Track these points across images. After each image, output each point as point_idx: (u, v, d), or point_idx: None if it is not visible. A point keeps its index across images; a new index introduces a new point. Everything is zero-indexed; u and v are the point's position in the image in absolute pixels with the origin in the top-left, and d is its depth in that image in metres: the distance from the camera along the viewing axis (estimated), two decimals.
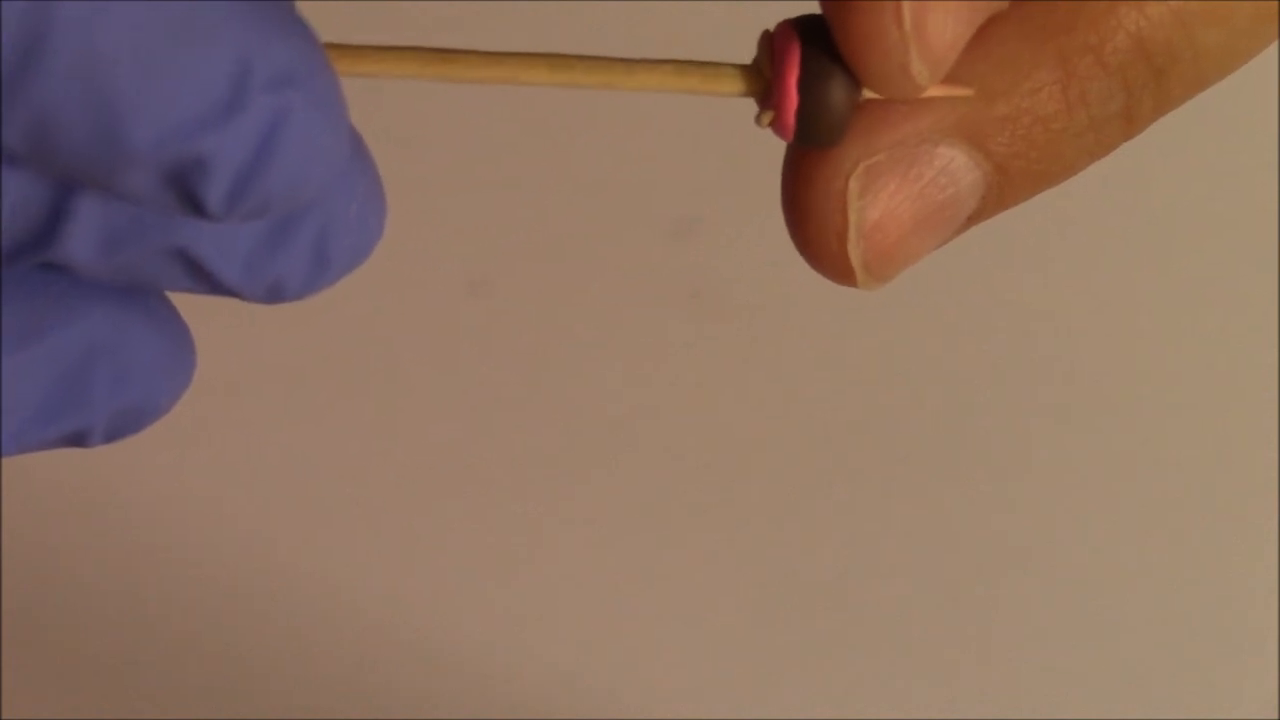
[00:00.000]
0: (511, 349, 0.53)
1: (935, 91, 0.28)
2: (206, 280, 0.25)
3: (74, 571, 0.51)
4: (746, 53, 0.31)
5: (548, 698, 0.51)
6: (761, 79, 0.31)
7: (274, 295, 0.25)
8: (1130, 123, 0.31)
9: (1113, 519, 0.54)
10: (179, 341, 0.27)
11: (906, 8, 0.27)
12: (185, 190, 0.22)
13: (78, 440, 0.27)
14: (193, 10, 0.21)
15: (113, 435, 0.27)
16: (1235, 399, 0.55)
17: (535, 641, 0.52)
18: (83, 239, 0.23)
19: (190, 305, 0.58)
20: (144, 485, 0.52)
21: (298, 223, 0.25)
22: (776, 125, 0.32)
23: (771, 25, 0.30)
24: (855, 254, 0.30)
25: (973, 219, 0.31)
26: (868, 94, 0.29)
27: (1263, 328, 0.55)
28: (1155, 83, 0.29)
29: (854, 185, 0.29)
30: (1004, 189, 0.30)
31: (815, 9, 0.31)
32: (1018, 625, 0.53)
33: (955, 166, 0.30)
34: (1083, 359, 0.55)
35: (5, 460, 0.52)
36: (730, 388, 0.53)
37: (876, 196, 0.30)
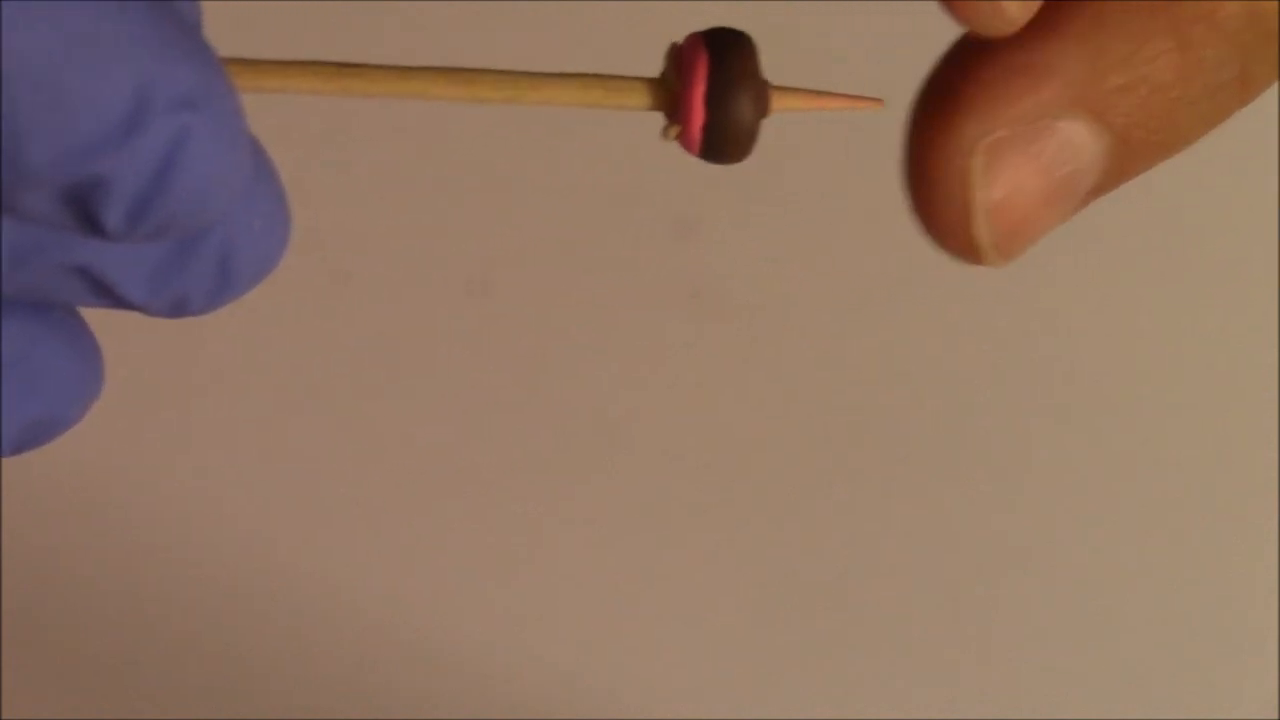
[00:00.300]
0: (511, 349, 0.53)
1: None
2: (110, 296, 0.25)
3: (74, 571, 0.51)
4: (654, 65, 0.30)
5: (548, 698, 0.51)
6: (669, 92, 0.30)
7: (178, 310, 0.25)
8: (1245, 88, 0.30)
9: (1113, 519, 0.54)
10: (87, 354, 0.27)
11: None
12: (84, 211, 0.22)
13: None
14: (95, 32, 0.21)
15: (21, 446, 0.27)
16: (1235, 399, 0.55)
17: (535, 641, 0.52)
18: None
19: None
20: (144, 485, 0.52)
21: (201, 241, 0.25)
22: (683, 139, 0.31)
23: (680, 36, 0.30)
24: (982, 233, 0.30)
25: (1094, 192, 0.30)
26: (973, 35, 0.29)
27: (1263, 328, 0.55)
28: (1268, 47, 0.29)
29: (977, 163, 0.29)
30: (1125, 161, 0.30)
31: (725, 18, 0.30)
32: (1018, 625, 0.53)
33: (1078, 140, 0.29)
34: (1083, 359, 0.55)
35: (5, 460, 0.52)
36: (730, 388, 0.53)
37: (1000, 174, 0.29)
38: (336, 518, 0.52)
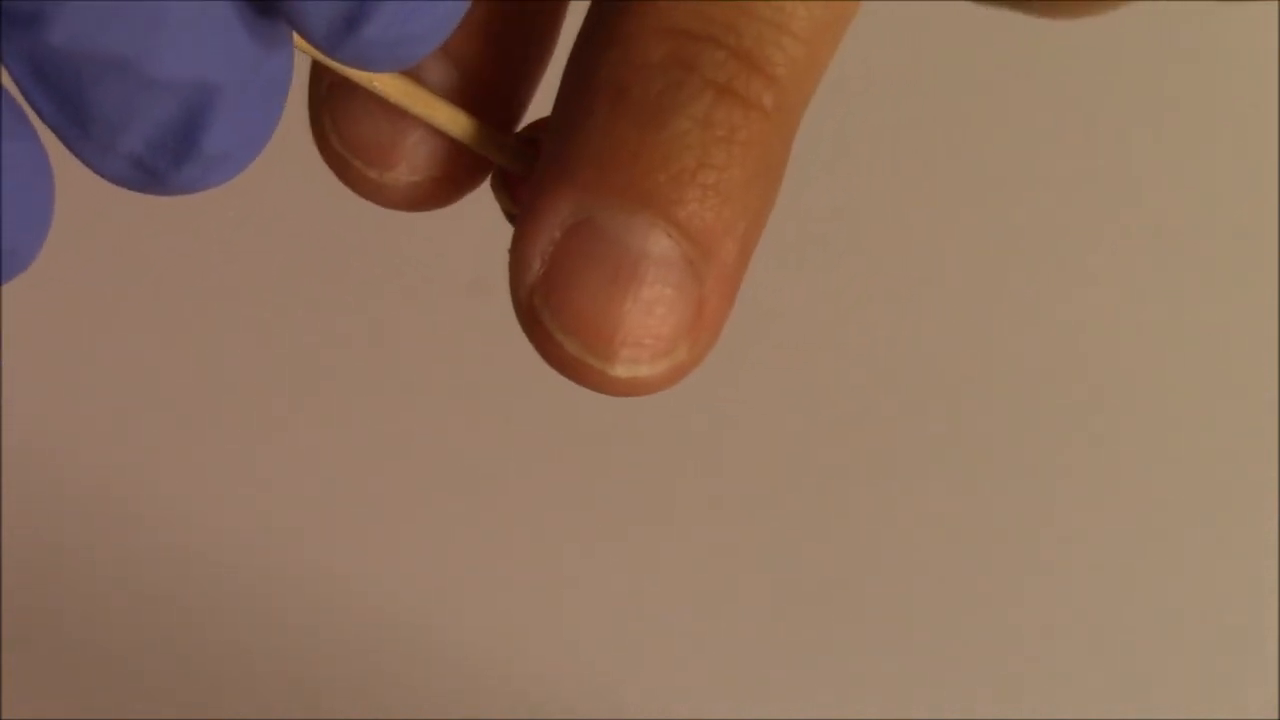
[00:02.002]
0: (511, 350, 0.53)
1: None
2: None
3: (74, 571, 0.52)
4: None
5: (548, 698, 0.51)
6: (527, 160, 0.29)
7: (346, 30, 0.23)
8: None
9: (1113, 519, 0.54)
10: (44, 174, 0.24)
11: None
12: None
13: None
14: None
15: None
16: (1235, 399, 0.55)
17: (535, 641, 0.52)
18: None
19: (192, 308, 0.58)
20: (144, 486, 0.52)
21: None
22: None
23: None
24: (571, 346, 0.29)
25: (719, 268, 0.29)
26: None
27: (1263, 327, 0.55)
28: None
29: (538, 278, 0.28)
30: (704, 235, 0.28)
31: None
32: (1018, 626, 0.53)
33: (621, 232, 0.28)
34: (1084, 360, 0.55)
35: (5, 460, 0.52)
36: (730, 388, 0.53)
37: (559, 284, 0.28)
38: (337, 518, 0.52)
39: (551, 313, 0.29)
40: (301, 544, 0.52)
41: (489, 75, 0.30)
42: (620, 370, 0.28)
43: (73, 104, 0.22)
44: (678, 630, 0.52)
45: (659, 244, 0.28)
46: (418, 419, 0.53)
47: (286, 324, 0.54)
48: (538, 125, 0.29)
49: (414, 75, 0.28)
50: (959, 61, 0.57)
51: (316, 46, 0.22)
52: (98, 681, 0.51)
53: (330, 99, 0.29)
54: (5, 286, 0.57)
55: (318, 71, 0.29)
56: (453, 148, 0.29)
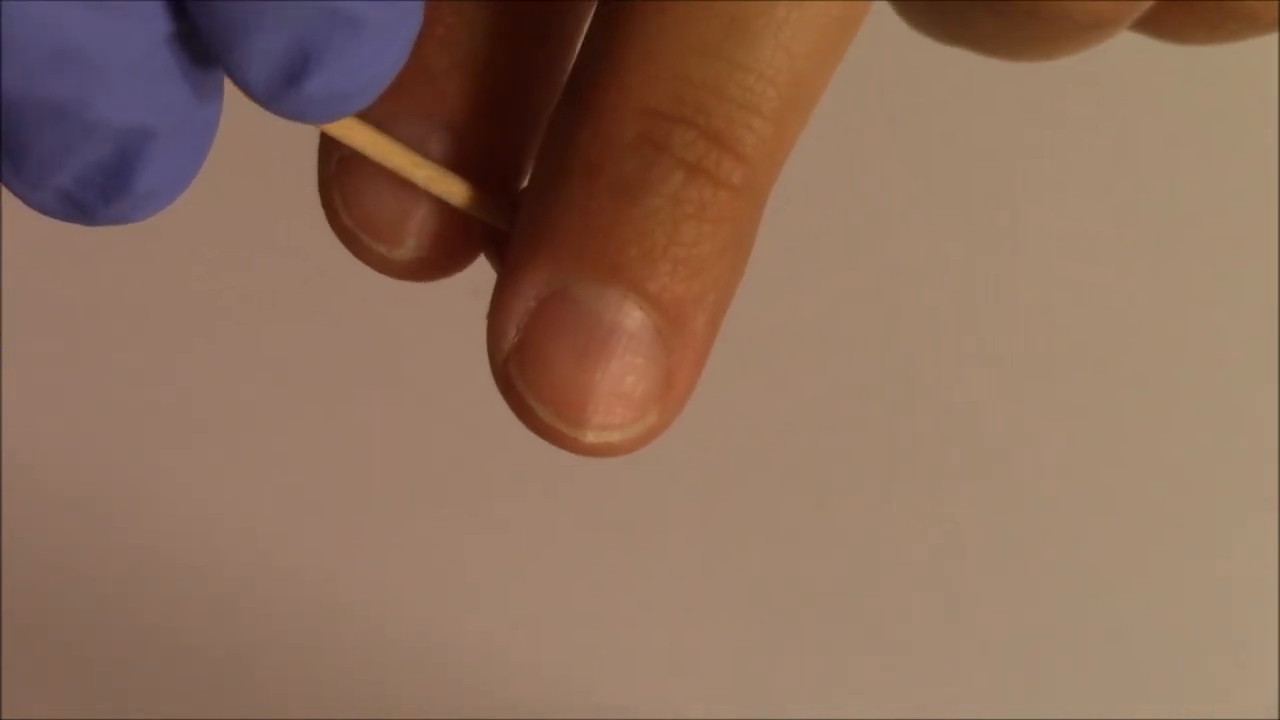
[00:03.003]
0: None
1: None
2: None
3: (74, 572, 0.52)
4: None
5: (548, 698, 0.51)
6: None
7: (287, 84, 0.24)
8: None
9: (1113, 519, 0.54)
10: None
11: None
12: None
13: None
14: None
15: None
16: (1235, 399, 0.55)
17: (535, 642, 0.52)
18: None
19: (192, 309, 0.58)
20: (145, 486, 0.52)
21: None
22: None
23: None
24: (544, 413, 0.30)
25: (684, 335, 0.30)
26: None
27: (1263, 327, 0.55)
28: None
29: (512, 346, 0.30)
30: (675, 303, 0.30)
31: None
32: (1017, 626, 0.53)
33: (589, 301, 0.29)
34: (1084, 360, 0.55)
35: (5, 460, 0.52)
36: (730, 388, 0.53)
37: (531, 353, 0.30)
38: (338, 518, 0.52)
39: (526, 381, 0.30)
40: (302, 545, 0.52)
41: (490, 144, 0.30)
42: (591, 437, 0.30)
43: (10, 142, 0.23)
44: (677, 630, 0.52)
45: (630, 315, 0.29)
46: (419, 422, 0.53)
47: (288, 326, 0.54)
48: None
49: (414, 145, 0.29)
50: (955, 59, 0.57)
51: (254, 99, 0.23)
52: (98, 681, 0.51)
53: (339, 175, 0.30)
54: (6, 288, 0.57)
55: (326, 147, 0.30)
56: (458, 222, 0.30)
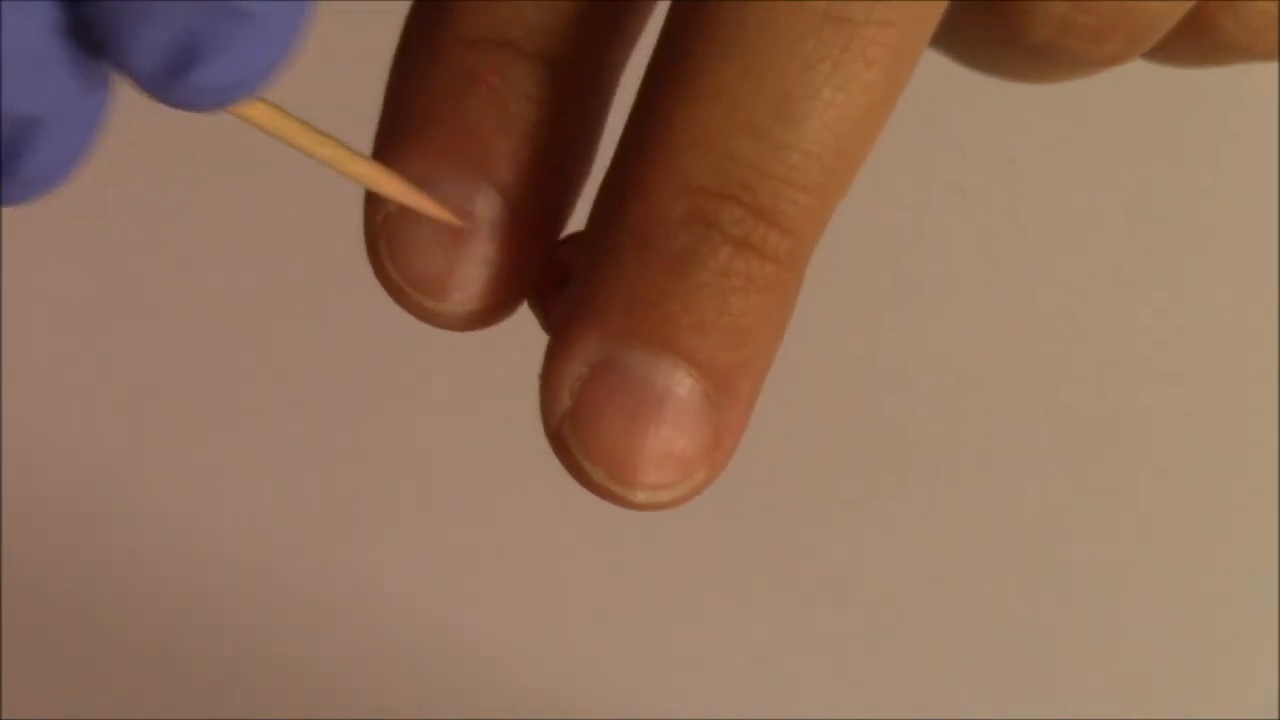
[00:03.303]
0: (512, 350, 0.53)
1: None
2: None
3: (74, 573, 0.52)
4: None
5: (548, 698, 0.51)
6: None
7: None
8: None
9: (1113, 519, 0.54)
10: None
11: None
12: None
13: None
14: None
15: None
16: (1235, 399, 0.55)
17: (534, 641, 0.52)
18: None
19: (193, 309, 0.58)
20: (145, 486, 0.52)
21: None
22: None
23: None
24: (597, 474, 0.32)
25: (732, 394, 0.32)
26: None
27: (1263, 327, 0.55)
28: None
29: (567, 408, 0.31)
30: (726, 367, 0.32)
31: None
32: (1017, 626, 0.53)
33: (644, 369, 0.31)
34: (1084, 361, 0.55)
35: (5, 460, 0.52)
36: None
37: (588, 416, 0.31)
38: (338, 518, 0.52)
39: (579, 443, 0.32)
40: (302, 544, 0.52)
41: (533, 201, 0.32)
42: (642, 497, 0.32)
43: None
44: (676, 630, 0.52)
45: (681, 383, 0.31)
46: (418, 419, 0.53)
47: (286, 323, 0.54)
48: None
49: (459, 203, 0.31)
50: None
51: (143, 89, 0.24)
52: (98, 681, 0.51)
53: (386, 229, 0.32)
54: (6, 287, 0.57)
55: (373, 202, 0.32)
56: (504, 275, 0.32)
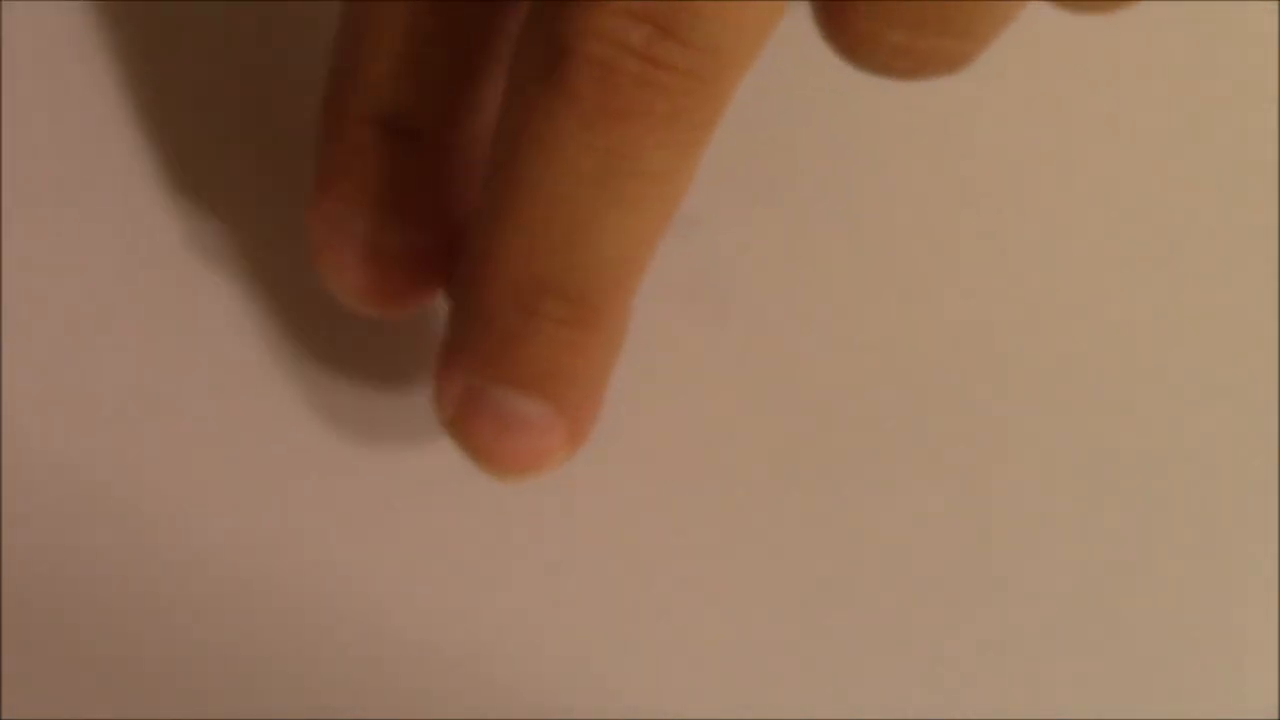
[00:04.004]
0: None
1: None
2: None
3: (74, 571, 0.52)
4: None
5: (548, 698, 0.51)
6: None
7: None
8: None
9: (1112, 518, 0.54)
10: None
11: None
12: None
13: None
14: None
15: None
16: (1235, 398, 0.55)
17: (533, 641, 0.52)
18: None
19: (194, 309, 0.58)
20: (145, 484, 0.52)
21: None
22: None
23: None
24: (492, 470, 0.47)
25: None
26: None
27: (1264, 327, 0.55)
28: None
29: (450, 420, 0.46)
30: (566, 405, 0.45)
31: None
32: (1016, 625, 0.53)
33: (498, 397, 0.44)
34: (1085, 360, 0.55)
35: (5, 460, 0.52)
36: (730, 388, 0.53)
37: (466, 430, 0.46)
38: (338, 517, 0.52)
39: (462, 441, 0.45)
40: (303, 544, 0.52)
41: (419, 239, 0.46)
42: (513, 479, 0.45)
43: None
44: (676, 630, 0.52)
45: (533, 407, 0.43)
46: (417, 419, 0.53)
47: (287, 322, 0.54)
48: None
49: (365, 239, 0.47)
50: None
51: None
52: (98, 681, 0.51)
53: (315, 250, 0.48)
54: (6, 286, 0.57)
55: (308, 228, 0.48)
56: (403, 288, 0.47)
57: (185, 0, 0.56)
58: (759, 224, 0.54)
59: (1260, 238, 0.56)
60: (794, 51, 0.48)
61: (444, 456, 0.53)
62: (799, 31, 0.46)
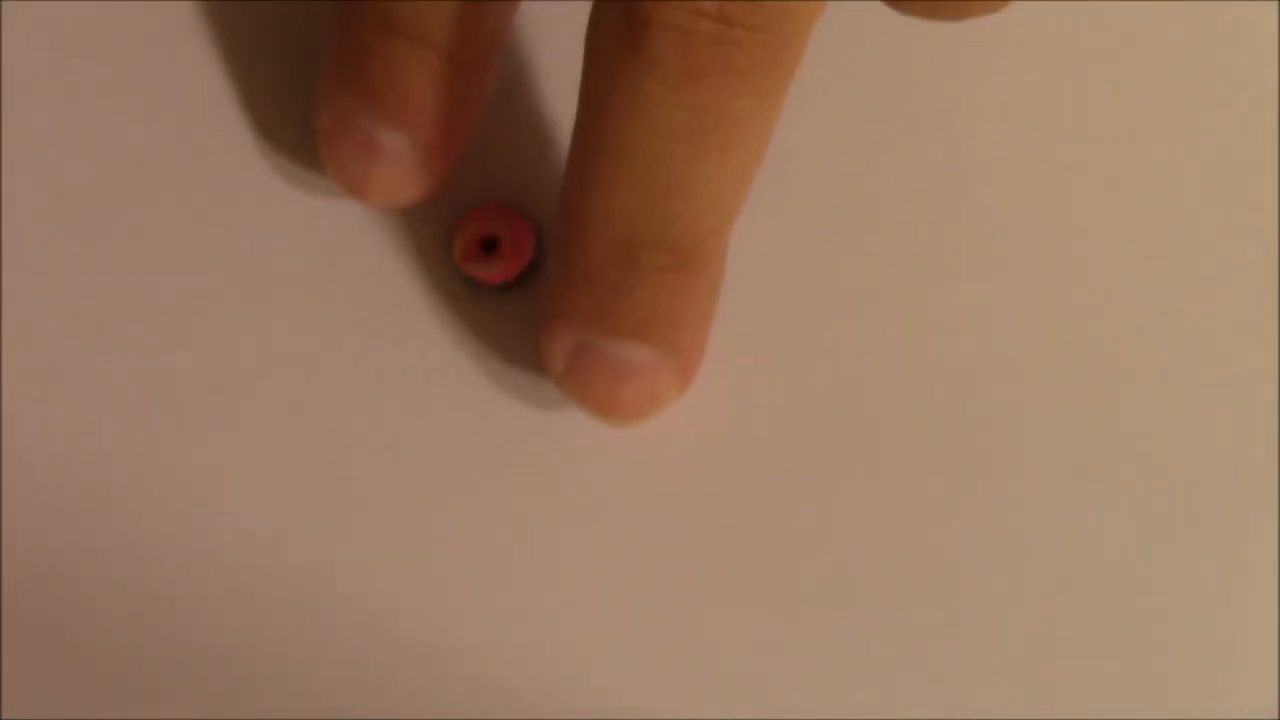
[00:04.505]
0: (511, 348, 0.53)
1: None
2: None
3: (74, 571, 0.51)
4: None
5: (548, 698, 0.51)
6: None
7: None
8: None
9: (1112, 518, 0.54)
10: None
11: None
12: None
13: None
14: None
15: None
16: (1236, 398, 0.55)
17: (533, 641, 0.52)
18: None
19: (194, 308, 0.58)
20: (146, 483, 0.52)
21: None
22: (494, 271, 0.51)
23: None
24: (594, 413, 0.49)
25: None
26: None
27: (1264, 327, 0.55)
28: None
29: (561, 370, 0.48)
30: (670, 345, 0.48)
31: None
32: (1016, 625, 0.53)
33: (611, 346, 0.46)
34: (1084, 359, 0.55)
35: (5, 460, 0.52)
36: (730, 388, 0.53)
37: (577, 378, 0.48)
38: (339, 518, 0.52)
39: (576, 394, 0.47)
40: (303, 544, 0.52)
41: (423, 137, 0.47)
42: (627, 424, 0.47)
43: None
44: (677, 630, 0.52)
45: (642, 353, 0.45)
46: (417, 419, 0.53)
47: (288, 321, 0.54)
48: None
49: (367, 136, 0.48)
50: (956, 57, 0.57)
51: None
52: (98, 681, 0.51)
53: (322, 141, 0.49)
54: (6, 286, 0.57)
55: (316, 116, 0.49)
56: (406, 185, 0.49)
57: (185, 0, 0.56)
58: (759, 224, 0.54)
59: (1260, 238, 0.56)
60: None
61: (444, 457, 0.53)
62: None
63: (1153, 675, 0.52)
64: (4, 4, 0.56)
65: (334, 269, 0.53)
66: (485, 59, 0.47)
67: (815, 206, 0.55)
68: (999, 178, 0.56)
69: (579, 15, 0.46)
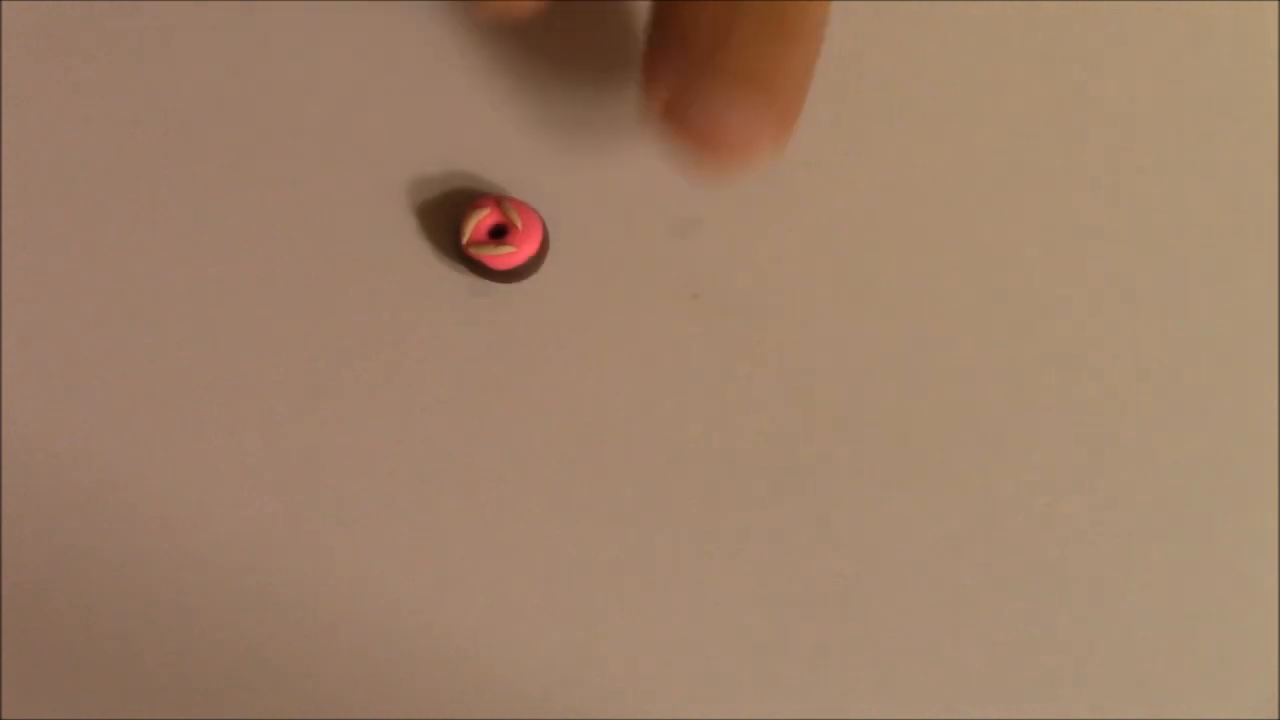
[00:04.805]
0: (511, 348, 0.53)
1: None
2: None
3: (74, 571, 0.51)
4: None
5: (548, 698, 0.51)
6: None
7: None
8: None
9: (1113, 518, 0.54)
10: None
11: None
12: None
13: None
14: None
15: None
16: (1235, 396, 0.55)
17: (532, 641, 0.52)
18: None
19: (194, 306, 0.58)
20: (146, 483, 0.52)
21: None
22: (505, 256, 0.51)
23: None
24: (684, 148, 0.46)
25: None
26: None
27: (1264, 327, 0.55)
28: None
29: (657, 115, 0.46)
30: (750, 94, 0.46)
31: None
32: (1016, 625, 0.53)
33: (703, 98, 0.45)
34: (1085, 358, 0.55)
35: (5, 460, 0.52)
36: (730, 389, 0.53)
37: (670, 125, 0.46)
38: (338, 516, 0.52)
39: (673, 131, 0.46)
40: (303, 544, 0.52)
41: None
42: (722, 168, 0.46)
43: None
44: (677, 630, 0.52)
45: (741, 94, 0.45)
46: (417, 418, 0.53)
47: (289, 321, 0.54)
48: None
49: None
50: (956, 57, 0.57)
51: None
52: (98, 681, 0.51)
53: None
54: (5, 286, 0.57)
55: None
56: None
57: (186, 1, 0.56)
58: (759, 224, 0.54)
59: (1260, 237, 0.56)
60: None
61: (445, 457, 0.53)
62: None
63: (1153, 675, 0.52)
64: (4, 4, 0.56)
65: (334, 271, 0.54)
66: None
67: (816, 206, 0.55)
68: (999, 178, 0.56)
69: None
